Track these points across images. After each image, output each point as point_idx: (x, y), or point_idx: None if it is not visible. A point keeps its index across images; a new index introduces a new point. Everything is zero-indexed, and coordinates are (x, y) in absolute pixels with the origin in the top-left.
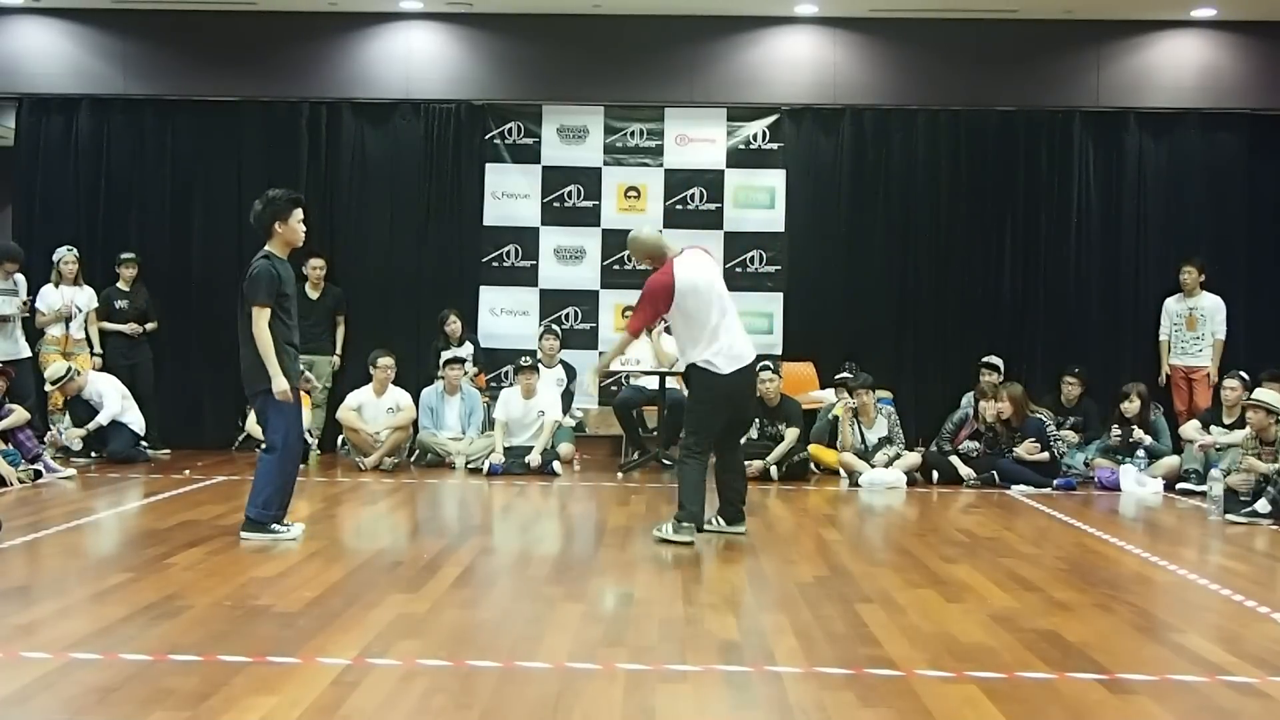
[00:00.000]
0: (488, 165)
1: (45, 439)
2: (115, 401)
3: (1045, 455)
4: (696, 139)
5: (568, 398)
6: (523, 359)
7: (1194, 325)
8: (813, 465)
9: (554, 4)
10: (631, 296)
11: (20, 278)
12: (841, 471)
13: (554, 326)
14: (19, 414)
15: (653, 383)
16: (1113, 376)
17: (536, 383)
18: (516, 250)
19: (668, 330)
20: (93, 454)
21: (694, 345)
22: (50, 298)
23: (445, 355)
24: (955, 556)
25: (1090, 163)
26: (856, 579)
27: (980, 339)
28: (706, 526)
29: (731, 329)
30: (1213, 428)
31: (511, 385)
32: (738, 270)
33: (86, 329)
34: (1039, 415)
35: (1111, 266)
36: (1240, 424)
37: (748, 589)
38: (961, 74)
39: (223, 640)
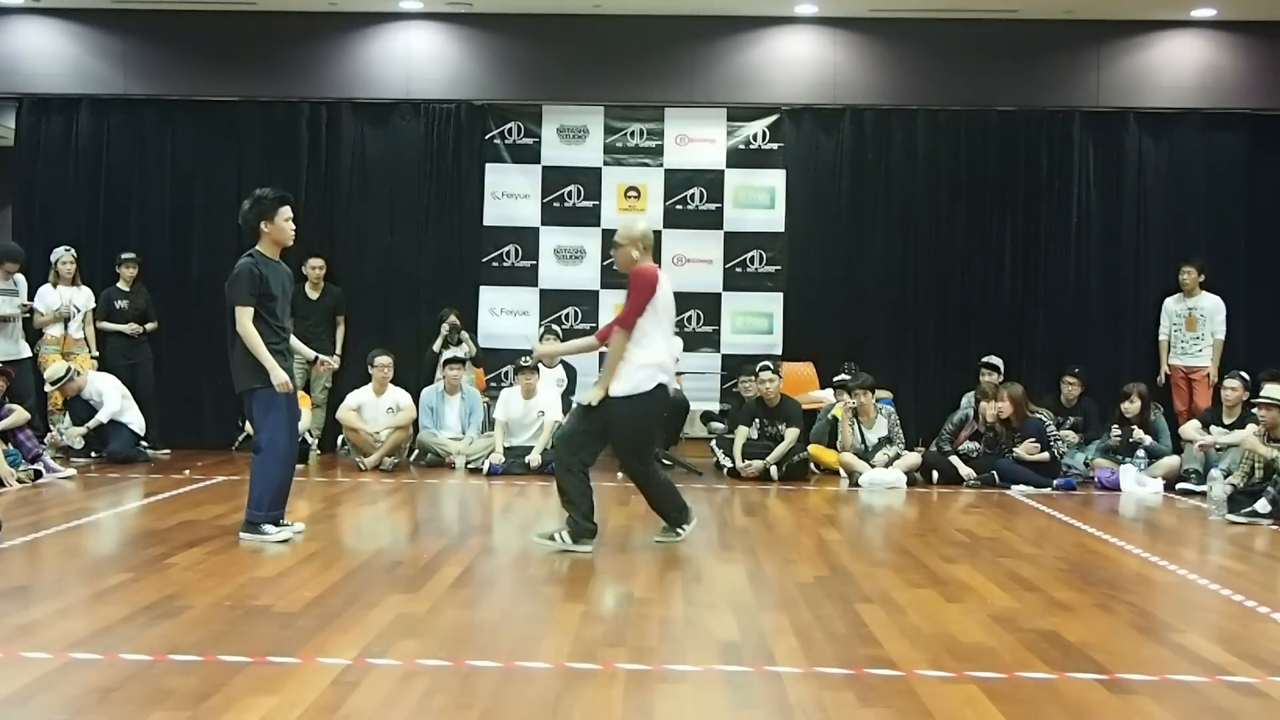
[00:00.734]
0: (488, 165)
1: (45, 439)
2: (115, 399)
3: (1045, 455)
4: (696, 139)
5: (568, 398)
6: (523, 359)
7: (1194, 325)
8: (813, 465)
9: (554, 4)
10: None
11: (20, 278)
12: (841, 471)
13: (554, 327)
14: (19, 414)
15: None
16: (1113, 376)
17: (536, 383)
18: (516, 250)
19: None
20: (93, 454)
21: (643, 350)
22: (49, 298)
23: (445, 355)
24: (955, 556)
25: (1090, 163)
26: (856, 579)
27: (980, 339)
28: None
29: (671, 347)
30: (1213, 428)
31: (512, 385)
32: (738, 270)
33: (84, 329)
34: (1039, 415)
35: (1111, 266)
36: (1240, 424)
37: (748, 589)
38: (962, 74)
39: (223, 640)
